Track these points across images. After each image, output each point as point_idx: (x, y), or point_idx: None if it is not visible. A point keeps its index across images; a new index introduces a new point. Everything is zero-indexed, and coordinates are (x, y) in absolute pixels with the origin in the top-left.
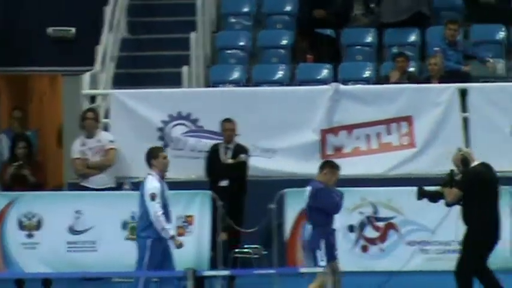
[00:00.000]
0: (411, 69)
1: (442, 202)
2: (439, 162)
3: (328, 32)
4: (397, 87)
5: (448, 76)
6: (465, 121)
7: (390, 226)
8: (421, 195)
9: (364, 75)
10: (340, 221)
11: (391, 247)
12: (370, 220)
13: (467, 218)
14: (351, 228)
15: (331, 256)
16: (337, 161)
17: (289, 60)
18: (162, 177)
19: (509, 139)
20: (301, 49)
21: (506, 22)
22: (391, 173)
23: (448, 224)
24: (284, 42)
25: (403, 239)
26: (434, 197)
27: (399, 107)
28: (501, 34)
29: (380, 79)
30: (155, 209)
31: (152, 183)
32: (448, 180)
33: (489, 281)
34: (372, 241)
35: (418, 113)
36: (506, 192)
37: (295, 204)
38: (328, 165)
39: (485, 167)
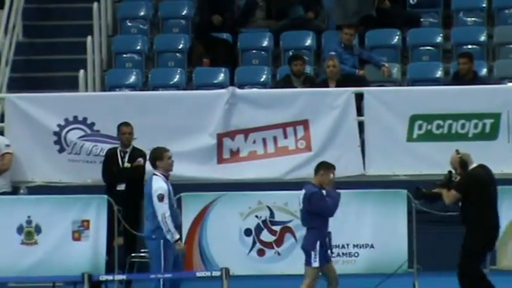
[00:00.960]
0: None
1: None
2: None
3: (225, 36)
4: (294, 91)
5: (344, 80)
6: (361, 125)
7: (286, 230)
8: (419, 196)
9: (261, 79)
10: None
11: (287, 251)
12: (266, 224)
13: (466, 220)
14: (248, 232)
15: (326, 258)
16: (234, 165)
17: (186, 64)
18: (167, 177)
19: (404, 143)
20: (197, 53)
21: (401, 27)
22: (288, 177)
23: (345, 228)
24: (180, 46)
25: (299, 243)
26: (432, 198)
27: (296, 110)
28: (396, 39)
29: (280, 82)
30: (163, 210)
31: (159, 184)
32: (445, 182)
33: (483, 283)
34: (268, 245)
35: (315, 116)
36: (399, 194)
37: (192, 208)
38: (323, 166)
39: (483, 169)
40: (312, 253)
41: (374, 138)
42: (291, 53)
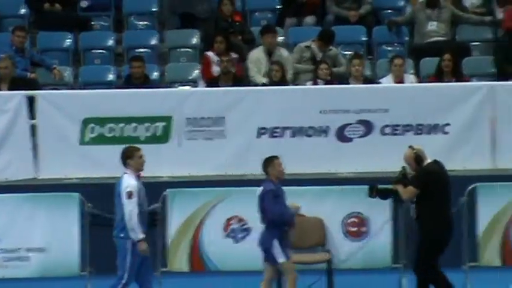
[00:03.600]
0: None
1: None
2: None
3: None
4: None
5: (16, 83)
6: (34, 128)
7: None
8: (374, 192)
9: None
10: None
11: None
12: None
13: (422, 216)
14: None
15: (287, 255)
16: None
17: None
18: (138, 176)
19: (77, 146)
20: None
21: (72, 29)
22: None
23: (16, 232)
24: None
25: None
26: (387, 195)
27: None
28: (68, 42)
29: None
30: (130, 207)
31: (129, 181)
32: (400, 178)
33: (438, 278)
34: None
35: None
36: (71, 197)
37: None
38: (268, 162)
39: (438, 164)
40: (273, 251)
41: (46, 142)
42: None
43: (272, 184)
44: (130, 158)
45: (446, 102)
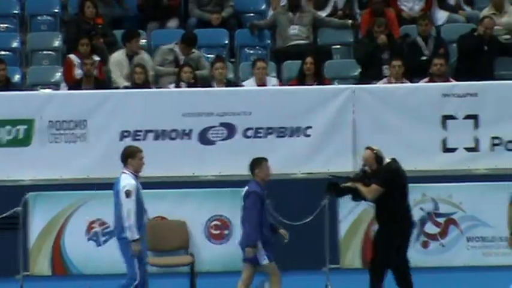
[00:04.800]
0: None
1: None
2: None
3: None
4: None
5: None
6: None
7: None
8: (333, 190)
9: None
10: None
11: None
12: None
13: (384, 214)
14: None
15: (269, 256)
16: None
17: None
18: (136, 176)
19: None
20: None
21: None
22: None
23: None
24: None
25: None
26: (342, 192)
27: None
28: None
29: None
30: (129, 206)
31: (128, 181)
32: (361, 177)
33: (405, 277)
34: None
35: None
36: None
37: None
38: (257, 163)
39: (397, 163)
40: (256, 252)
41: None
42: None
43: (258, 185)
44: (131, 157)
45: (308, 105)
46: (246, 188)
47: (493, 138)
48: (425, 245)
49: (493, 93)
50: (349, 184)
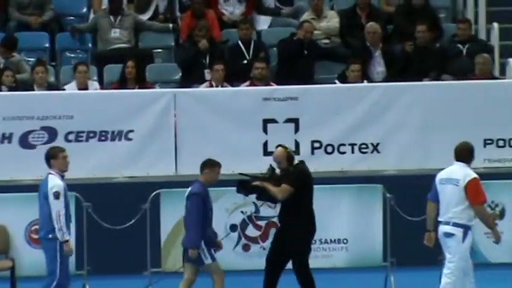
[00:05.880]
0: None
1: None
2: None
3: None
4: None
5: None
6: None
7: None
8: (244, 188)
9: None
10: None
11: None
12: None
13: (291, 214)
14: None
15: (212, 256)
16: None
17: None
18: (62, 176)
19: None
20: None
21: None
22: None
23: None
24: None
25: None
26: (252, 191)
27: None
28: None
29: None
30: (58, 207)
31: (55, 182)
32: (270, 176)
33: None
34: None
35: None
36: None
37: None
38: (208, 165)
39: (305, 165)
40: (200, 252)
41: None
42: None
43: (201, 186)
44: (54, 158)
45: (130, 109)
46: (189, 189)
47: (313, 141)
48: (246, 248)
49: (313, 97)
50: (258, 183)
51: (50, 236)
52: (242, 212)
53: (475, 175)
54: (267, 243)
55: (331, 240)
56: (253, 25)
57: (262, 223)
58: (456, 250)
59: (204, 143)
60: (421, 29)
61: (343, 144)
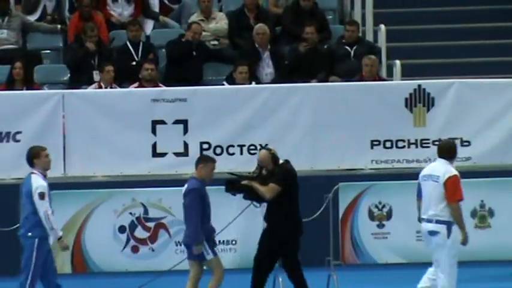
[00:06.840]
0: None
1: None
2: None
3: None
4: None
5: None
6: None
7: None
8: (233, 188)
9: None
10: None
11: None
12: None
13: (277, 213)
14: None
15: (214, 252)
16: None
17: None
18: (44, 176)
19: None
20: None
21: None
22: None
23: None
24: None
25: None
26: (240, 190)
27: None
28: None
29: None
30: (45, 208)
31: (39, 182)
32: (257, 176)
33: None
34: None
35: None
36: None
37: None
38: (203, 160)
39: (290, 164)
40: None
41: None
42: None
43: (197, 182)
44: (37, 157)
45: (18, 110)
46: (186, 185)
47: (202, 143)
48: (135, 249)
49: (202, 98)
50: (245, 182)
51: (29, 234)
52: (131, 214)
53: (455, 172)
54: (156, 245)
55: (220, 242)
56: (142, 27)
57: (151, 224)
58: (443, 247)
59: (92, 144)
60: (309, 31)
61: (232, 146)
